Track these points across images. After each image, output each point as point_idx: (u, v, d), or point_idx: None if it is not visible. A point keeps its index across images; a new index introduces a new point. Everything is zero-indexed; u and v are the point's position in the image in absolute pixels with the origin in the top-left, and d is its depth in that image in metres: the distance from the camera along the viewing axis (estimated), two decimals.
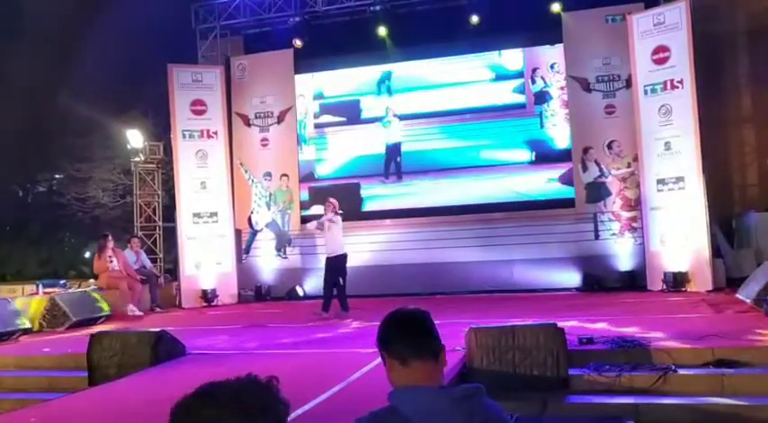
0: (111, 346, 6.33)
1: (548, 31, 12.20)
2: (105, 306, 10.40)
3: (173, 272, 13.63)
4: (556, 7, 11.99)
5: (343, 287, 9.44)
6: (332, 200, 9.66)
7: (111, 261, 11.14)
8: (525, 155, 12.47)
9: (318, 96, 13.71)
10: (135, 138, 13.96)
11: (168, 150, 13.66)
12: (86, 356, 6.34)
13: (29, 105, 20.17)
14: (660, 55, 10.84)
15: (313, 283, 12.91)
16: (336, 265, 9.40)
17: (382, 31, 12.81)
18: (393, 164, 13.13)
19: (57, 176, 23.97)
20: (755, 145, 11.44)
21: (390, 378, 1.90)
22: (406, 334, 1.93)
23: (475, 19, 12.20)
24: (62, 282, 11.78)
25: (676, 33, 10.67)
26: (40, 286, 10.72)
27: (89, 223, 21.94)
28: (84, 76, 20.64)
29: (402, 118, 13.10)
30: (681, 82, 10.59)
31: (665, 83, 10.77)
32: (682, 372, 5.45)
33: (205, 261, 12.74)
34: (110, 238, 11.42)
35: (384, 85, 13.33)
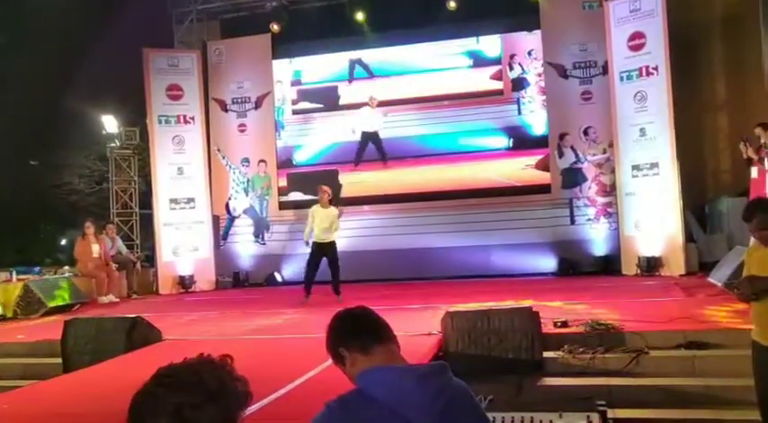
0: (85, 332, 6.28)
1: (525, 17, 12.24)
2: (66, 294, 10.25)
3: (150, 258, 13.54)
4: None
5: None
6: (326, 188, 9.57)
7: (93, 246, 11.05)
8: (503, 141, 12.52)
9: (296, 82, 13.63)
10: (110, 123, 13.80)
11: (144, 136, 13.52)
12: (60, 343, 6.29)
13: (2, 93, 19.82)
14: (636, 41, 10.92)
15: (291, 269, 12.92)
16: None
17: (360, 16, 12.75)
18: (374, 151, 13.07)
19: (32, 163, 23.66)
20: (728, 131, 11.58)
21: (353, 373, 1.92)
22: (364, 324, 2.00)
23: (453, 4, 12.17)
24: (37, 269, 11.66)
25: (652, 20, 10.76)
26: (14, 273, 10.61)
27: (65, 210, 21.71)
28: (58, 61, 20.34)
29: (380, 104, 13.06)
30: (656, 68, 10.69)
31: (640, 69, 10.86)
32: (654, 354, 5.54)
33: (182, 247, 12.66)
34: (89, 222, 11.34)
35: (362, 71, 13.28)
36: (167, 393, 1.32)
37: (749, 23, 10.31)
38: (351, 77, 13.30)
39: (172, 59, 13.00)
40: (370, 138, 13.00)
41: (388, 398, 1.79)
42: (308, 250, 9.37)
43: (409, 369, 1.90)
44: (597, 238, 11.74)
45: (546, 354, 5.61)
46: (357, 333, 1.97)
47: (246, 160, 13.47)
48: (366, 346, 1.93)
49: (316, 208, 9.39)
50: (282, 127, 13.60)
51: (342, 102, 13.34)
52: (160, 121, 12.79)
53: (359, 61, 13.23)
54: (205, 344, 6.52)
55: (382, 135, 12.99)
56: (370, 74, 13.22)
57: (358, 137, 13.11)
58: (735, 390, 4.85)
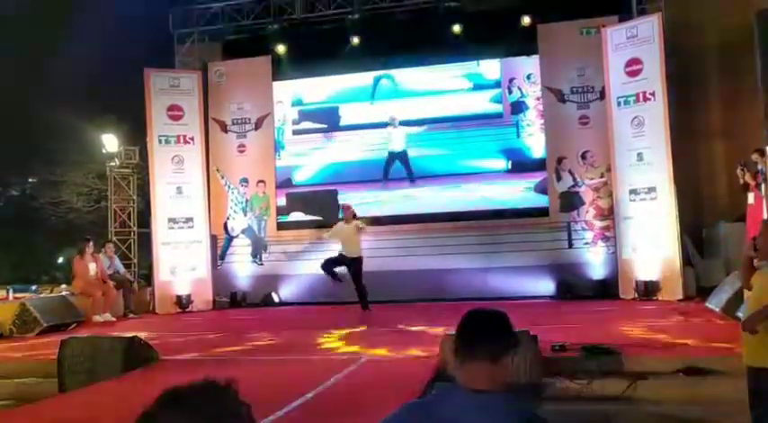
0: (82, 351, 6.23)
1: (524, 42, 12.36)
2: None
3: (147, 277, 13.50)
4: (527, 20, 12.13)
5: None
6: (349, 204, 10.19)
7: (90, 264, 11.05)
8: (501, 164, 12.58)
9: (297, 103, 13.70)
10: (110, 142, 13.84)
11: (144, 155, 13.55)
12: (57, 362, 6.24)
13: (3, 108, 19.91)
14: (633, 67, 11.03)
15: (288, 290, 12.91)
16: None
17: (360, 39, 12.85)
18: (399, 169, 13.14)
19: (30, 180, 23.70)
20: (725, 157, 11.63)
21: (453, 370, 1.95)
22: (468, 334, 1.99)
23: (457, 29, 12.29)
24: (33, 287, 11.61)
25: (649, 46, 10.88)
26: (11, 291, 10.57)
27: (63, 228, 21.70)
28: (60, 79, 20.46)
29: (383, 126, 13.13)
30: (653, 94, 10.79)
31: (637, 95, 10.96)
32: (652, 379, 5.53)
33: (180, 267, 12.63)
34: (91, 242, 11.38)
35: (365, 93, 13.35)
36: (171, 416, 1.32)
37: (744, 50, 10.40)
38: (373, 97, 13.34)
39: (173, 80, 13.07)
40: (397, 157, 13.03)
41: (444, 416, 1.83)
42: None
43: (478, 396, 1.87)
44: (595, 262, 11.75)
45: (544, 378, 5.59)
46: (461, 340, 1.97)
47: (245, 180, 13.51)
48: (463, 357, 1.94)
49: (340, 224, 9.87)
50: (282, 147, 13.65)
51: (343, 123, 13.41)
52: (160, 141, 12.83)
53: (390, 78, 13.28)
54: (202, 364, 6.49)
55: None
56: (393, 94, 13.25)
57: (359, 156, 13.17)
58: (733, 417, 4.83)
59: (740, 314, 6.74)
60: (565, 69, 12.13)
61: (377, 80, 13.32)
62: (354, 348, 7.13)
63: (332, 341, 7.86)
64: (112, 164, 13.81)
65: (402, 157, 13.01)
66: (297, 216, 13.32)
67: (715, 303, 8.15)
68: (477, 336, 1.97)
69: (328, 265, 9.86)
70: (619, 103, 11.17)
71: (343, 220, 9.91)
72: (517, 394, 1.91)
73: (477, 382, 1.89)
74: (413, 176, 12.95)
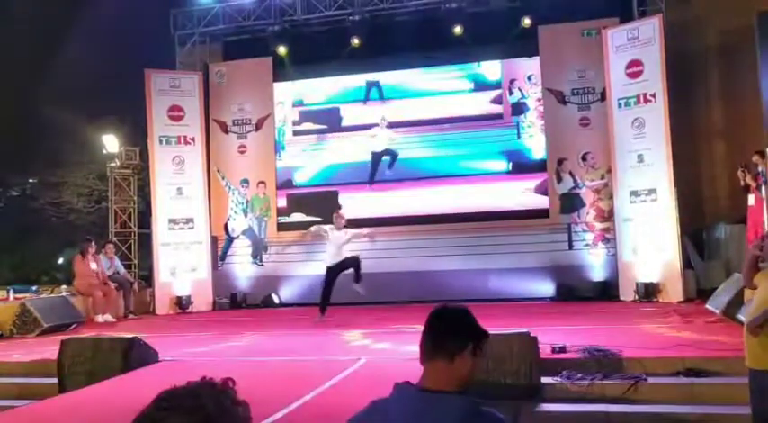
0: (81, 352, 6.24)
1: (525, 43, 12.35)
2: None
3: (147, 278, 13.50)
4: (527, 21, 12.13)
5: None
6: (342, 213, 10.28)
7: (91, 264, 11.08)
8: (502, 165, 12.57)
9: (298, 104, 13.70)
10: (111, 143, 13.84)
11: (145, 156, 13.55)
12: (57, 363, 6.25)
13: (4, 109, 19.92)
14: (634, 69, 11.04)
15: (289, 291, 12.91)
16: None
17: (361, 40, 12.86)
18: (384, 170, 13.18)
19: (30, 181, 23.71)
20: (725, 158, 11.63)
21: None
22: (427, 332, 1.96)
23: (458, 30, 12.29)
24: (33, 288, 11.62)
25: (650, 48, 10.88)
26: (11, 292, 10.57)
27: (63, 228, 21.70)
28: (61, 80, 20.47)
29: (389, 125, 13.14)
30: (654, 96, 10.79)
31: (638, 96, 10.97)
32: (652, 380, 5.52)
33: (180, 268, 12.64)
34: (93, 243, 11.42)
35: (375, 94, 13.35)
36: (168, 417, 1.32)
37: (745, 52, 10.43)
38: (366, 98, 13.34)
39: (174, 80, 13.08)
40: (383, 155, 13.05)
41: (395, 416, 1.83)
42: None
43: (426, 395, 1.85)
44: (595, 264, 11.75)
45: (543, 379, 5.58)
46: (422, 339, 1.95)
47: (246, 181, 13.50)
48: (425, 356, 1.92)
49: (331, 228, 9.93)
50: (283, 148, 13.65)
51: (344, 123, 13.41)
52: (161, 142, 12.83)
53: (376, 84, 13.29)
54: (202, 365, 6.49)
55: (384, 157, 13.09)
56: (382, 98, 13.26)
57: (360, 158, 13.17)
58: (733, 418, 4.83)
59: (740, 316, 6.75)
60: (566, 71, 12.13)
61: (368, 84, 13.32)
62: (354, 349, 7.14)
63: (332, 342, 7.87)
64: (113, 164, 13.81)
65: (384, 155, 13.03)
66: (297, 217, 13.32)
67: (715, 305, 8.15)
68: (435, 334, 1.94)
69: (325, 300, 9.84)
70: (619, 105, 11.18)
71: (335, 227, 9.93)
72: (465, 395, 1.85)
73: (433, 381, 1.87)
74: (393, 165, 13.00)
